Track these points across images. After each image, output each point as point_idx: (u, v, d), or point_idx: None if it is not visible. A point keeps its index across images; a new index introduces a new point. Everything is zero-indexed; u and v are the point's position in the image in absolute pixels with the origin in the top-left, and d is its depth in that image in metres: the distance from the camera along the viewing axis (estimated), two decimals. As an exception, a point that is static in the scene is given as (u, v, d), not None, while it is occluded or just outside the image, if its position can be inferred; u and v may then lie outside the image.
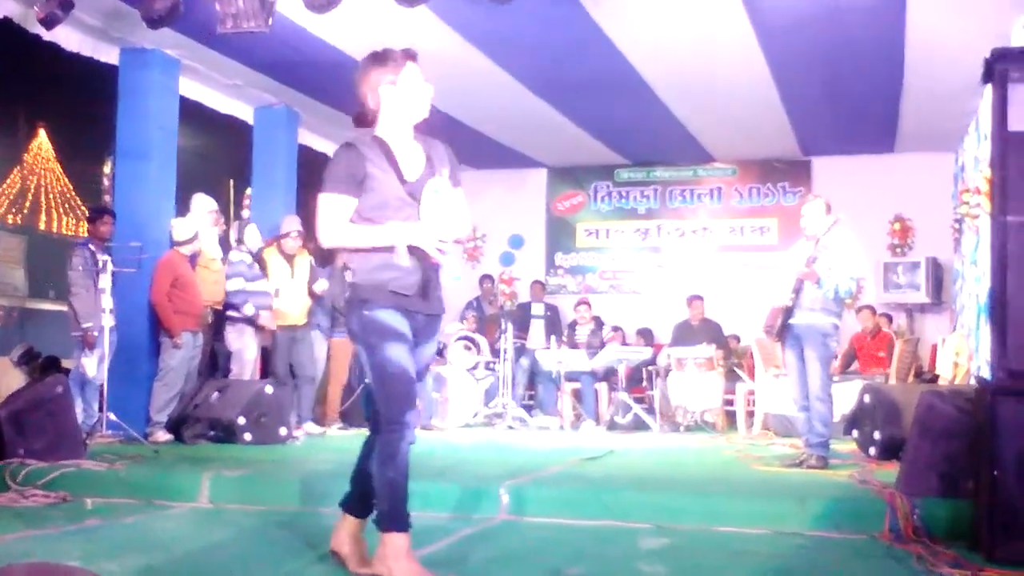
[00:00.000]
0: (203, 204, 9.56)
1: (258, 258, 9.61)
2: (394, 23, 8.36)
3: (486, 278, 13.95)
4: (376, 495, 3.84)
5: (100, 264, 8.49)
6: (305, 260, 9.86)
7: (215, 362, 9.81)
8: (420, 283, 3.84)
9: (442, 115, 10.86)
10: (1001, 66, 4.52)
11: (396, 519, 3.79)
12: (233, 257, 9.49)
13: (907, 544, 4.65)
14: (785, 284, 7.09)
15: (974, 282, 10.23)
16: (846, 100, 10.76)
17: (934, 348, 11.55)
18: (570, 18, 8.38)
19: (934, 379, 10.37)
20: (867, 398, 7.65)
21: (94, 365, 8.48)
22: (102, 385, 8.47)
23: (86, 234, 10.34)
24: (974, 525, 4.56)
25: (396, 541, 3.77)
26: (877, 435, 7.26)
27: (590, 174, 14.58)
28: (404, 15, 7.77)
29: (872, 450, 7.34)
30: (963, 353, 9.87)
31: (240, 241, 9.68)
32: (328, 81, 10.14)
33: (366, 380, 11.20)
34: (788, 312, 7.04)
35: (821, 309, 6.95)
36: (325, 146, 12.76)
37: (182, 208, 9.65)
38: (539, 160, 14.25)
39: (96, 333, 8.42)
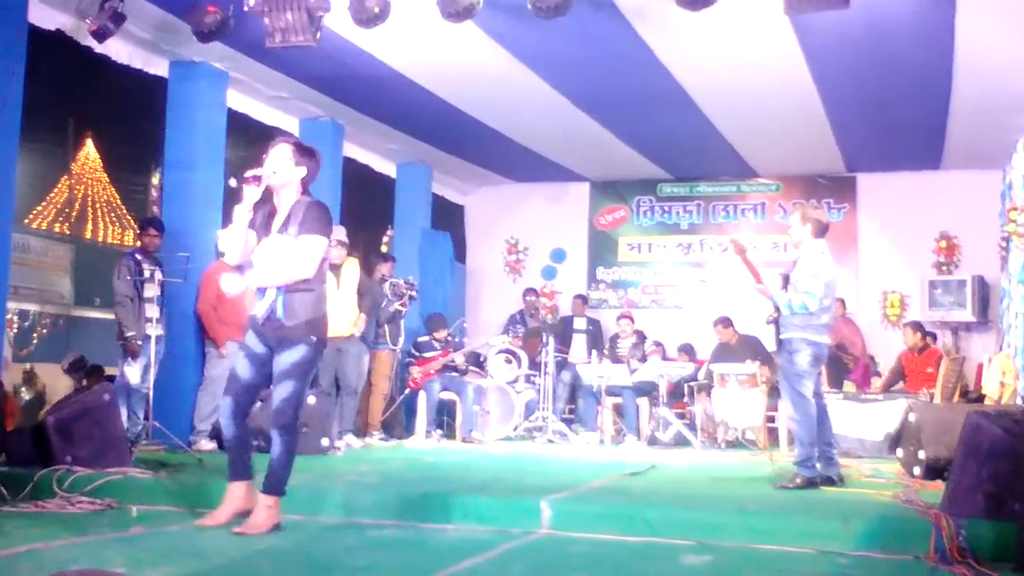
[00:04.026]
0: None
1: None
2: (440, 38, 8.42)
3: (529, 291, 13.92)
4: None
5: (147, 274, 8.59)
6: (353, 270, 9.83)
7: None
8: None
9: (486, 128, 10.95)
10: (1052, 84, 4.50)
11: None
12: None
13: (952, 566, 4.59)
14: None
15: (1021, 301, 10.11)
16: (892, 116, 10.69)
17: (980, 367, 11.42)
18: (616, 34, 8.38)
19: (980, 398, 10.24)
20: (912, 417, 7.57)
21: (137, 373, 8.56)
22: (148, 393, 8.56)
23: (134, 244, 10.44)
24: (1020, 547, 4.51)
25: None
26: (922, 455, 7.19)
27: (633, 188, 14.56)
28: (450, 30, 7.83)
29: (917, 470, 7.27)
30: (1009, 373, 9.75)
31: None
32: (374, 94, 10.24)
33: (406, 391, 11.33)
34: (776, 329, 7.14)
35: (790, 325, 7.02)
36: (369, 158, 12.82)
37: (229, 219, 9.71)
38: (582, 174, 14.24)
39: (140, 342, 8.52)
